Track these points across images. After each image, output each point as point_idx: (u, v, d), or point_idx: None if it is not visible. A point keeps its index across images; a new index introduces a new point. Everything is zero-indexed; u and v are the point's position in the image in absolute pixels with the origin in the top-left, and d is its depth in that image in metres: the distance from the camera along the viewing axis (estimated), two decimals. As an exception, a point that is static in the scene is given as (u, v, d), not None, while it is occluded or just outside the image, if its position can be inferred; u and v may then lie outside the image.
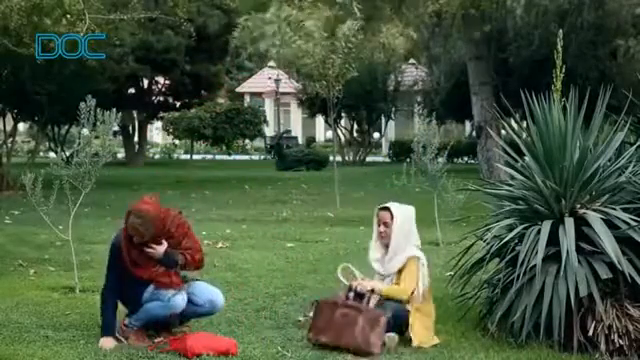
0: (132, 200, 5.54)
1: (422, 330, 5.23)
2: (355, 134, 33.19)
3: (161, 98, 31.15)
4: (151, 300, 5.24)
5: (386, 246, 5.43)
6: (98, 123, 6.71)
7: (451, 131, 34.98)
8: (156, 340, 5.22)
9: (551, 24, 18.89)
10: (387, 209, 5.43)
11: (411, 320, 5.21)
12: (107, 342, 5.15)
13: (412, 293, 5.28)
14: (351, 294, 5.25)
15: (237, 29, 17.91)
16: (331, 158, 22.57)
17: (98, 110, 6.70)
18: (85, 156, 6.82)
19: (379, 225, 5.43)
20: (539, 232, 5.12)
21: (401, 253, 5.35)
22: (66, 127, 28.22)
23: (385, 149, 37.89)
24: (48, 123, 25.60)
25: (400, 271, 5.34)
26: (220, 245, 9.68)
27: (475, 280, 5.70)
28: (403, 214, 5.44)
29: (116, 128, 7.21)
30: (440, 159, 9.95)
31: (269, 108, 42.77)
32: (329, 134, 40.58)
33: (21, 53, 14.31)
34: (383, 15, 17.87)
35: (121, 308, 5.46)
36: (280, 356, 4.94)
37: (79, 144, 6.85)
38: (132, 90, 29.67)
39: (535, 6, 17.83)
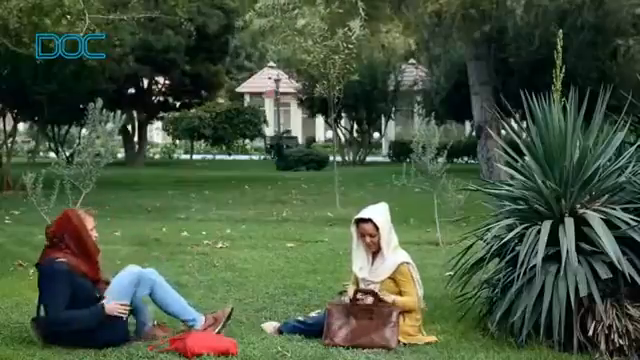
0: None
1: (408, 328, 5.25)
2: (355, 134, 33.16)
3: (161, 98, 31.17)
4: (119, 297, 5.15)
5: (372, 253, 5.39)
6: (99, 123, 6.73)
7: (451, 131, 34.98)
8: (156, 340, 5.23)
9: (551, 24, 18.85)
10: (368, 220, 5.31)
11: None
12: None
13: None
14: (359, 295, 5.29)
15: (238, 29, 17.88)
16: (331, 158, 22.56)
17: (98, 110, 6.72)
18: (87, 156, 6.83)
19: (362, 237, 5.34)
20: (539, 232, 5.12)
21: (389, 255, 5.33)
22: (66, 127, 28.25)
23: (385, 149, 37.87)
24: (48, 123, 25.64)
25: (391, 278, 5.31)
26: (220, 245, 9.68)
27: (475, 280, 5.70)
28: (384, 218, 5.36)
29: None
30: (440, 159, 9.96)
31: (269, 108, 42.72)
32: (329, 134, 40.56)
33: (21, 53, 14.32)
34: (383, 15, 17.85)
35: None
36: (280, 356, 4.94)
37: (79, 144, 6.86)
38: (132, 90, 29.68)
39: (535, 6, 17.79)
